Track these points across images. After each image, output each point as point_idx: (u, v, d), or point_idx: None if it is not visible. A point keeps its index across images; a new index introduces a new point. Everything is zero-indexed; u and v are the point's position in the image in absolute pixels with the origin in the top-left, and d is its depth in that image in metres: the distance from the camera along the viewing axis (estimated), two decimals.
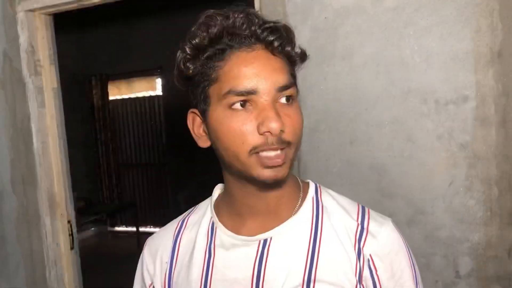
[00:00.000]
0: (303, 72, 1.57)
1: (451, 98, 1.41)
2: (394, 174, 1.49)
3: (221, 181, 0.84)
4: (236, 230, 0.78)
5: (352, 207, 0.81)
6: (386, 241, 0.77)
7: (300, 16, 1.53)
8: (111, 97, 6.20)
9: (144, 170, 6.32)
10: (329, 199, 0.81)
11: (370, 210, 0.81)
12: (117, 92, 6.29)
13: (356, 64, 1.51)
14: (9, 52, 2.00)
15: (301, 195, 0.81)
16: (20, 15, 2.00)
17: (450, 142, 1.42)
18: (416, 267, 0.82)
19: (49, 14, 2.08)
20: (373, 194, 1.52)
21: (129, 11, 5.09)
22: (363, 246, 0.75)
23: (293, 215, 0.77)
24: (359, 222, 0.78)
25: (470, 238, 1.43)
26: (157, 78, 5.91)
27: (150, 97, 6.11)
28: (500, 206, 1.39)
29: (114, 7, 2.09)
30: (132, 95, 6.25)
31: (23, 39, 2.02)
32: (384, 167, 1.50)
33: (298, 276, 0.73)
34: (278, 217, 0.77)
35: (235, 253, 0.76)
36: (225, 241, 0.78)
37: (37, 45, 2.05)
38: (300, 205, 0.79)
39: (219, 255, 0.77)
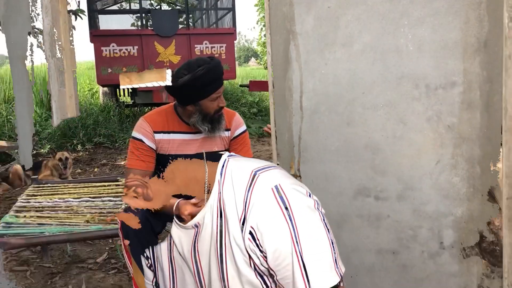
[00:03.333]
0: (306, 58, 1.71)
1: (441, 83, 1.53)
2: (387, 153, 1.62)
3: None
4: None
5: (243, 182, 1.07)
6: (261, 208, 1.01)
7: (305, 5, 1.66)
8: None
9: None
10: (229, 183, 1.07)
11: (261, 177, 1.08)
12: None
13: (355, 51, 1.64)
14: (33, 35, 2.14)
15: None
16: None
17: (438, 124, 1.55)
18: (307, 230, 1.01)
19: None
20: (367, 171, 1.65)
21: None
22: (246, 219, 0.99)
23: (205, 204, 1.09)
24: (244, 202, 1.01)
25: (454, 212, 1.56)
26: None
27: None
28: (482, 183, 1.51)
29: None
30: None
31: (46, 23, 2.16)
32: (377, 147, 1.63)
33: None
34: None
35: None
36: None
37: (59, 28, 2.20)
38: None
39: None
